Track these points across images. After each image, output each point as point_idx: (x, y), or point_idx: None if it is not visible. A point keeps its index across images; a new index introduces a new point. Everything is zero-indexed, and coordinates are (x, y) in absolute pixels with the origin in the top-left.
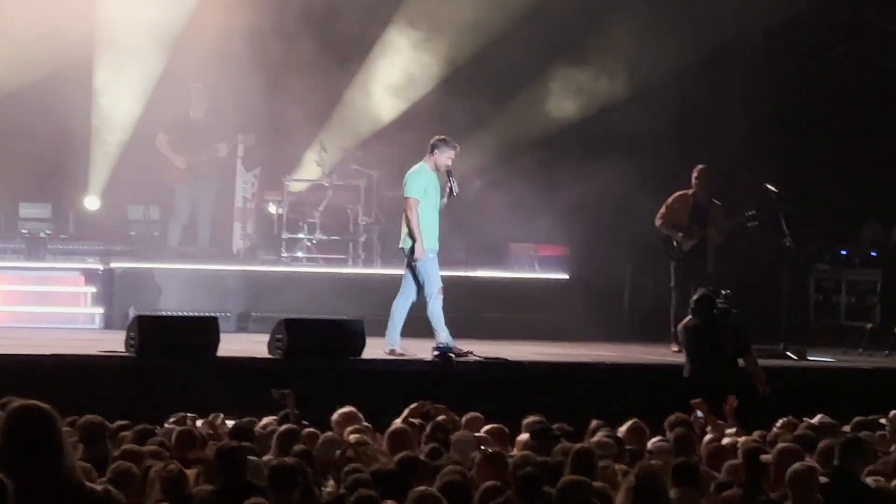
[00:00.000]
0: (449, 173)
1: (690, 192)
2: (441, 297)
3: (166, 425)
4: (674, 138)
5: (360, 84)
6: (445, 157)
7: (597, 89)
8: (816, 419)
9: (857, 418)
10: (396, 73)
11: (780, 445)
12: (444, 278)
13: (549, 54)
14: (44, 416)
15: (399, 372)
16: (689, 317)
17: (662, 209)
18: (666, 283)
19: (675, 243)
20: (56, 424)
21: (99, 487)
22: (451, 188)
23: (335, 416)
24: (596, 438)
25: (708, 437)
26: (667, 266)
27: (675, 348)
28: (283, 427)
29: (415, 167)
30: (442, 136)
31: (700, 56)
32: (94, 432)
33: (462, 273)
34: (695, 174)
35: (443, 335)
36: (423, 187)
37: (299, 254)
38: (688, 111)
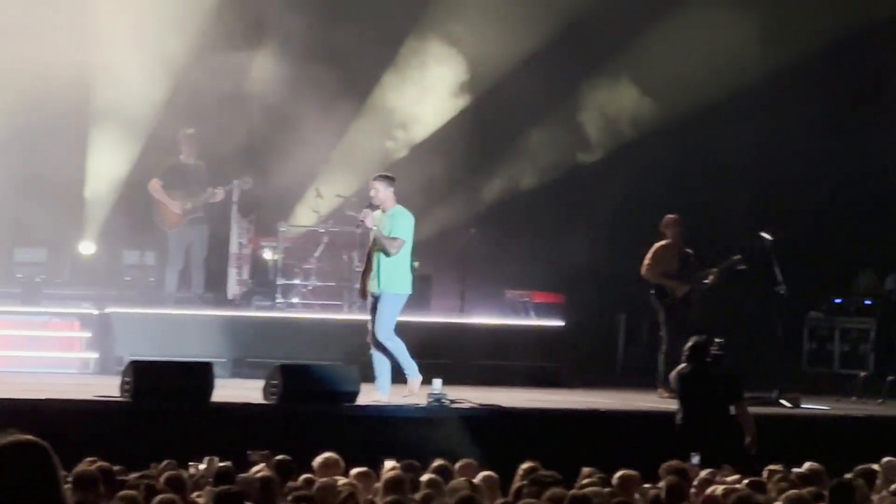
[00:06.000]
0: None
1: (670, 242)
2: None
3: (158, 469)
4: (666, 187)
5: (356, 130)
6: None
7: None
8: (805, 467)
9: (859, 467)
10: (395, 118)
11: (789, 493)
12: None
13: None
14: (39, 450)
15: (393, 418)
16: (683, 364)
17: (648, 259)
18: (659, 331)
19: (668, 290)
20: (52, 460)
21: None
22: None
23: (317, 461)
24: (588, 485)
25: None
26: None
27: (666, 394)
28: (262, 475)
29: None
30: None
31: (685, 109)
32: (86, 480)
33: (456, 320)
34: (669, 224)
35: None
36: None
37: (295, 300)
38: (684, 157)
